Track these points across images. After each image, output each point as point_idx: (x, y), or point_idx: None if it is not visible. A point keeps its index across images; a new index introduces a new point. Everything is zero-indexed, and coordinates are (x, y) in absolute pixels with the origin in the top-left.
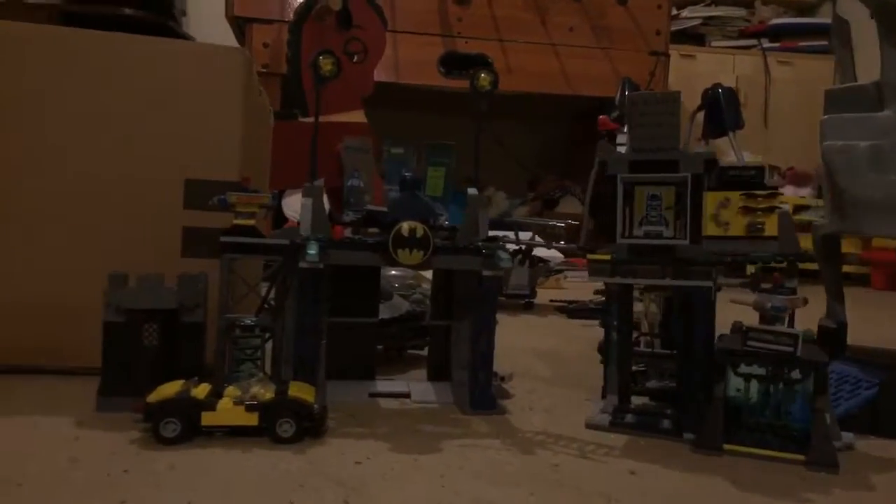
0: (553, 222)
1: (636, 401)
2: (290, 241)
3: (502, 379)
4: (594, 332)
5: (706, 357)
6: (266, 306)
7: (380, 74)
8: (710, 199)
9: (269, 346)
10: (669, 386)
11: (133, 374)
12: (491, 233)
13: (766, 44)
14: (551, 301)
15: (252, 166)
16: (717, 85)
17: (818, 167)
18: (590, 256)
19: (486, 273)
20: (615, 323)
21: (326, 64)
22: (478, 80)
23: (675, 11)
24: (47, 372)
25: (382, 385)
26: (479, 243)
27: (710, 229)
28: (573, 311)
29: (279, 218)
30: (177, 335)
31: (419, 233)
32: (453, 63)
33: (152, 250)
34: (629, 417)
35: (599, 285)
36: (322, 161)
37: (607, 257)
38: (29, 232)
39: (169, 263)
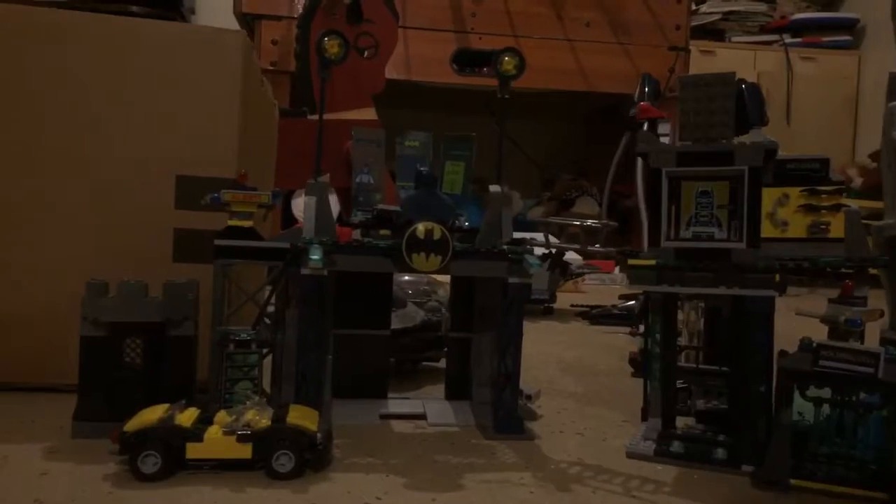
0: (589, 222)
1: (679, 423)
2: (291, 244)
3: (528, 398)
4: (621, 340)
5: (765, 377)
6: (265, 318)
7: (391, 71)
8: (766, 196)
9: (268, 361)
10: (719, 408)
11: (113, 395)
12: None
13: (788, 39)
14: (572, 306)
15: (253, 162)
16: (741, 80)
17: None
18: (631, 262)
19: (511, 280)
20: (658, 336)
21: (332, 46)
22: (501, 64)
23: (693, 6)
24: (29, 389)
25: (395, 405)
26: (504, 246)
27: (765, 230)
28: (596, 316)
29: (288, 220)
30: (163, 351)
31: (436, 235)
32: (466, 60)
33: (141, 255)
34: (676, 445)
35: (625, 289)
36: (330, 160)
37: (651, 262)
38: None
39: (160, 269)
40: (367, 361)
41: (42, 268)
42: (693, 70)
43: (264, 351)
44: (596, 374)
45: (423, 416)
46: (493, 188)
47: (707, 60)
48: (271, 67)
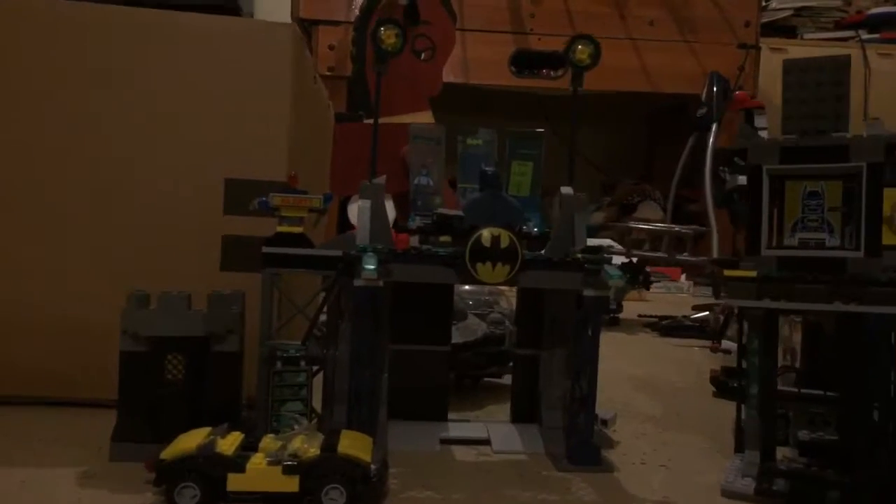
0: (678, 228)
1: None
2: (344, 252)
3: (604, 423)
4: (696, 355)
5: (887, 406)
6: (316, 332)
7: (448, 75)
8: (886, 198)
9: (320, 378)
10: (826, 439)
11: (155, 415)
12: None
13: (864, 35)
14: (640, 316)
15: (305, 165)
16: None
17: None
18: (728, 273)
19: (587, 293)
20: (756, 358)
21: (389, 36)
22: (575, 53)
23: (763, 2)
24: (70, 404)
25: (456, 428)
26: (580, 255)
27: (884, 236)
28: (667, 328)
29: (344, 227)
30: (207, 368)
31: (504, 242)
32: (525, 62)
33: (186, 264)
34: (780, 484)
35: (696, 299)
36: (387, 164)
37: (751, 274)
38: (43, 240)
39: (207, 279)
40: (425, 380)
41: (84, 276)
42: (764, 69)
43: (314, 368)
44: (673, 393)
45: (486, 442)
46: (565, 189)
47: (778, 58)
48: (329, 73)
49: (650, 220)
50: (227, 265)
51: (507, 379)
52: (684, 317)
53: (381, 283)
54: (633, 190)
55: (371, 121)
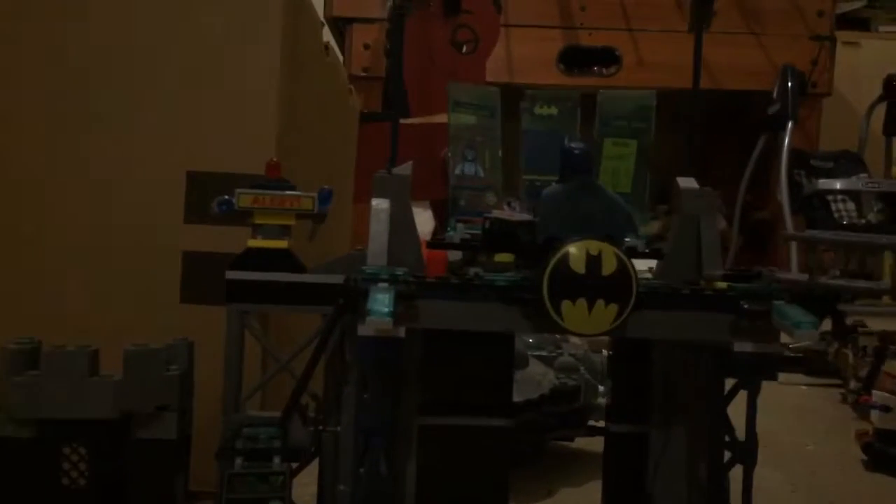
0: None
1: None
2: (347, 279)
3: None
4: (811, 399)
5: None
6: (302, 403)
7: (490, 74)
8: None
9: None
10: None
11: None
12: None
13: None
14: None
15: (308, 161)
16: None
17: None
18: None
19: (740, 349)
20: None
21: None
22: None
23: None
24: None
25: None
26: (723, 283)
27: None
28: None
29: None
30: (127, 466)
31: (608, 265)
32: (576, 58)
33: (137, 293)
34: None
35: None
36: (425, 168)
37: None
38: None
39: (164, 314)
40: (475, 469)
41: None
42: (838, 63)
43: (293, 466)
44: (807, 461)
45: None
46: (684, 182)
47: (851, 52)
48: (363, 73)
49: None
50: (189, 294)
51: (580, 443)
52: (784, 345)
53: (400, 333)
54: None
55: (406, 120)
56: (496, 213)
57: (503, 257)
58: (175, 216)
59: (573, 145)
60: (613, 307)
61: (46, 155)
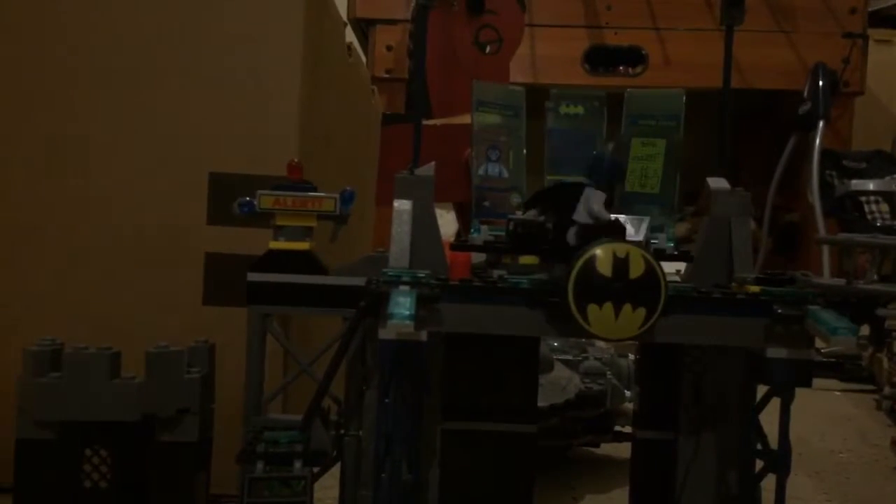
0: None
1: None
2: (368, 281)
3: None
4: (844, 405)
5: None
6: (326, 407)
7: (514, 74)
8: None
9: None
10: None
11: None
12: None
13: None
14: None
15: (328, 161)
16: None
17: None
18: None
19: (775, 356)
20: None
21: None
22: None
23: None
24: None
25: None
26: (756, 287)
27: None
28: None
29: None
30: (149, 468)
31: (636, 268)
32: (601, 58)
33: (159, 295)
34: None
35: None
36: (448, 170)
37: None
38: None
39: (186, 316)
40: (498, 475)
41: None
42: (871, 63)
43: (314, 471)
44: (844, 470)
45: None
46: (715, 182)
47: (883, 51)
48: (386, 75)
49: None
50: (211, 296)
51: (606, 449)
52: (817, 350)
53: (422, 337)
54: None
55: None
56: (520, 215)
57: (528, 259)
58: (198, 217)
59: (602, 152)
60: (641, 311)
61: (68, 157)
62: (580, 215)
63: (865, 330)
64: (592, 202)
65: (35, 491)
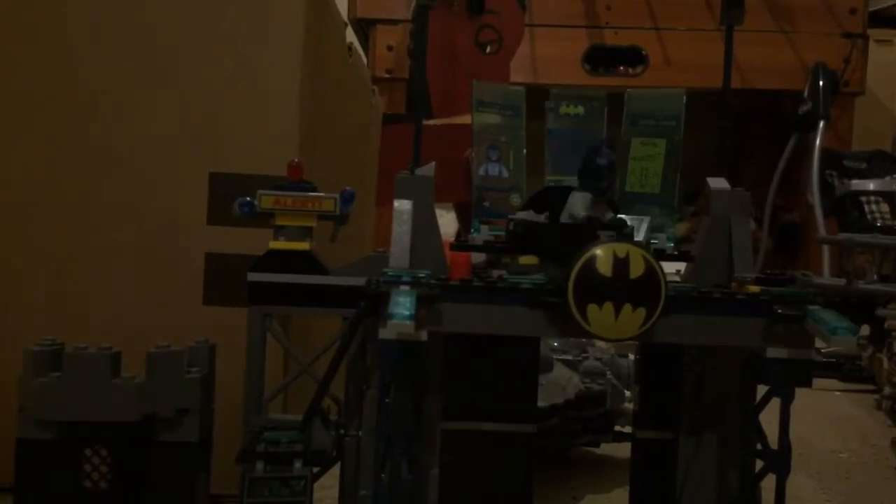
0: None
1: None
2: (368, 281)
3: None
4: (845, 405)
5: None
6: (326, 407)
7: (515, 74)
8: None
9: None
10: None
11: None
12: None
13: None
14: None
15: (328, 160)
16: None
17: None
18: None
19: (774, 355)
20: None
21: None
22: None
23: None
24: None
25: None
26: (756, 287)
27: None
28: None
29: None
30: (149, 468)
31: (636, 267)
32: (601, 58)
33: (159, 295)
34: None
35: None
36: (448, 171)
37: None
38: None
39: (186, 317)
40: (498, 475)
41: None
42: (871, 63)
43: (314, 471)
44: (844, 470)
45: None
46: (714, 182)
47: (883, 51)
48: (387, 75)
49: None
50: (211, 296)
51: (606, 449)
52: (817, 350)
53: (422, 336)
54: None
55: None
56: (520, 215)
57: (528, 259)
58: (198, 217)
59: (597, 156)
60: (641, 311)
61: (69, 157)
62: (564, 218)
63: (865, 330)
64: (573, 206)
65: (35, 491)
